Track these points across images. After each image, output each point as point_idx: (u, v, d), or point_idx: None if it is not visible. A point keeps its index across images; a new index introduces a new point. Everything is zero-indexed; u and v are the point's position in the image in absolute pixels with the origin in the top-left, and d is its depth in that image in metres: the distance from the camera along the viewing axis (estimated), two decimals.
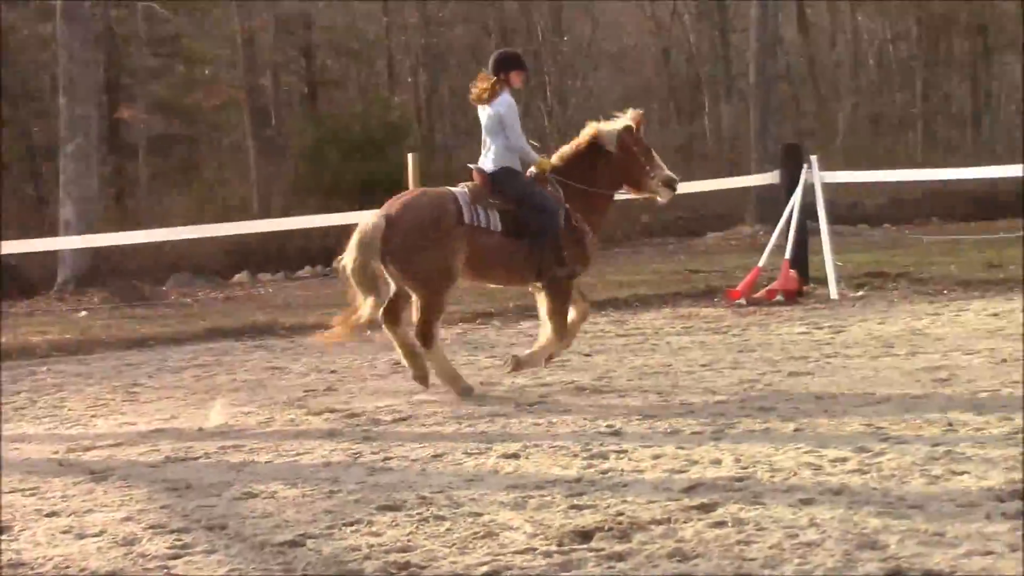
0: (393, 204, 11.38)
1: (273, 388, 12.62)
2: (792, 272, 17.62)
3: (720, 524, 6.78)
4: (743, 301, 17.20)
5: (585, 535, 6.75)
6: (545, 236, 11.46)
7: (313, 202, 34.19)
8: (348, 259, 11.13)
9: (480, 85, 11.74)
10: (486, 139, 11.76)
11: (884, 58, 51.38)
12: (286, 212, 31.37)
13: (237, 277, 29.20)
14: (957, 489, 7.19)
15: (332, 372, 13.42)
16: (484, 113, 11.74)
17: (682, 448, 8.67)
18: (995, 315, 14.81)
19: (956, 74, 51.01)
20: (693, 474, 7.95)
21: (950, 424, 8.92)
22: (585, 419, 9.95)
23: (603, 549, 6.50)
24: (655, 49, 48.28)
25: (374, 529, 7.12)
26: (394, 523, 7.22)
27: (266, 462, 9.15)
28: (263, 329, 17.36)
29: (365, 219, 11.40)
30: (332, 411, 11.01)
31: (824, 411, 9.67)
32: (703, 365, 12.40)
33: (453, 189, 11.55)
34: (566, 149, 12.07)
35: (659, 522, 6.89)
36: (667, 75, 48.18)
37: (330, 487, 8.16)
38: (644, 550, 6.44)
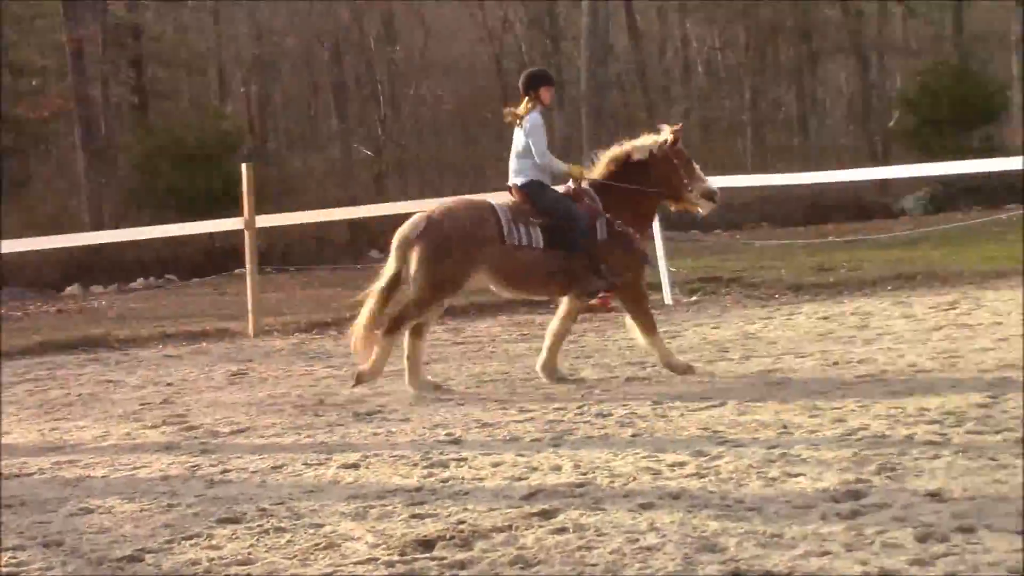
0: (439, 209, 11.78)
1: (108, 402, 12.45)
2: None
3: (561, 530, 6.81)
4: None
5: (427, 544, 6.74)
6: (578, 249, 11.61)
7: (146, 213, 33.80)
8: (396, 239, 11.58)
9: (515, 110, 12.04)
10: (513, 158, 11.98)
11: (713, 65, 52.07)
12: (118, 224, 30.98)
13: (69, 290, 28.76)
14: (793, 491, 7.30)
15: (168, 385, 13.28)
16: (519, 133, 11.96)
17: (522, 455, 8.70)
18: (825, 318, 15.07)
19: (784, 80, 51.83)
20: (533, 481, 7.97)
21: (785, 427, 9.05)
22: (424, 428, 9.95)
23: (445, 558, 6.50)
24: (487, 57, 48.40)
25: (214, 542, 7.05)
26: (234, 536, 7.16)
27: (102, 477, 9.01)
28: (97, 342, 17.11)
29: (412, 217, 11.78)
30: (169, 424, 10.88)
31: (661, 416, 9.77)
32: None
33: (496, 205, 11.77)
34: (605, 163, 12.15)
35: (500, 529, 6.90)
36: (499, 83, 48.32)
37: (168, 501, 8.07)
38: (486, 558, 6.45)
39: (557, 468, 8.26)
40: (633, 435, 9.19)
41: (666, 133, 12.08)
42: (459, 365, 13.34)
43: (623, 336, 14.59)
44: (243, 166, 18.14)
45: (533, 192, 11.84)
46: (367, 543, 6.82)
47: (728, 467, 7.94)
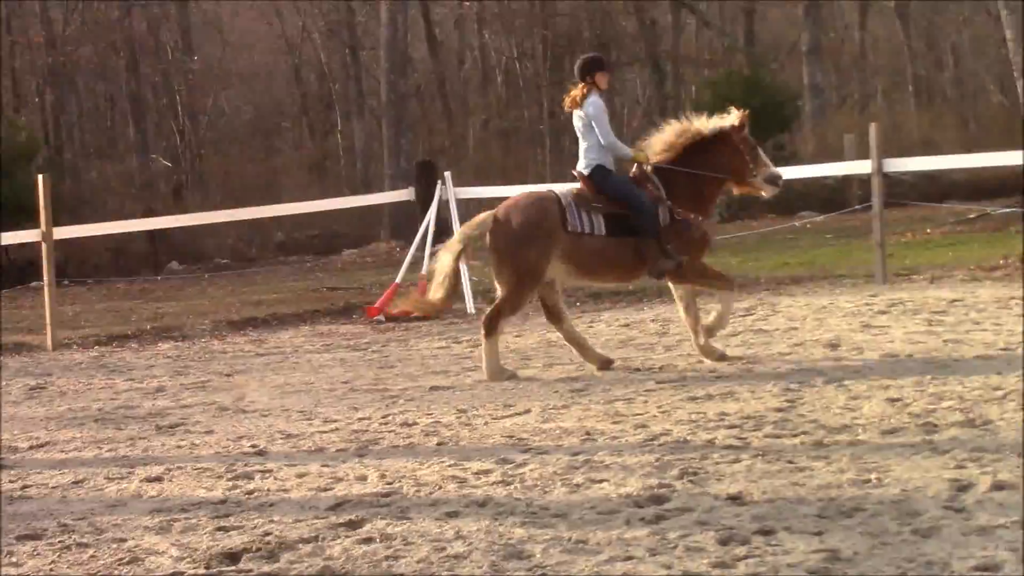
0: (503, 205, 12.16)
1: None
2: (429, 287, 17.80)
3: (368, 540, 6.80)
4: (382, 318, 17.29)
5: (232, 556, 6.69)
6: (645, 234, 11.85)
7: None
8: (449, 242, 12.27)
9: (571, 93, 12.43)
10: (581, 142, 12.30)
11: (512, 75, 52.35)
12: None
13: None
14: (597, 496, 7.37)
15: None
16: (577, 117, 12.34)
17: (327, 466, 8.68)
18: (626, 325, 15.25)
19: None
20: (339, 491, 7.95)
21: (588, 433, 9.13)
22: (228, 440, 9.87)
23: (251, 570, 6.46)
24: (286, 67, 48.14)
25: (14, 560, 6.92)
26: (35, 552, 7.03)
27: None
28: None
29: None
30: None
31: (466, 424, 9.81)
32: (344, 382, 12.42)
33: (560, 192, 12.17)
34: (669, 143, 12.29)
35: (307, 540, 6.87)
36: (298, 93, 48.09)
37: None
38: (293, 569, 6.42)
39: (363, 478, 8.25)
40: (438, 444, 9.21)
41: (732, 117, 12.26)
42: (262, 377, 13.24)
43: (427, 345, 14.65)
44: (39, 177, 17.83)
45: (597, 179, 12.12)
46: (172, 557, 6.74)
47: (533, 474, 8.00)
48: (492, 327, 11.90)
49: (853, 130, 29.07)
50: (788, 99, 40.92)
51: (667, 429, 9.05)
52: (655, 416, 9.57)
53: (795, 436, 8.56)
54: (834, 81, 53.51)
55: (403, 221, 28.31)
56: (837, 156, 28.23)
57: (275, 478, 8.46)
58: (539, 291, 12.17)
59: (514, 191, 26.81)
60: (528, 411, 10.14)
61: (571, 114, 12.49)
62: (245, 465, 8.89)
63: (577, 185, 12.28)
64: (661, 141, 12.29)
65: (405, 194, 20.61)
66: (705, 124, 12.22)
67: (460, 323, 16.71)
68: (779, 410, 9.44)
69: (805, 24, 42.34)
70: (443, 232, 18.55)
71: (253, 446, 9.57)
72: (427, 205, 18.57)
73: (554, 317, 12.34)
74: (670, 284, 12.35)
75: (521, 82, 51.83)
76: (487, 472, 8.16)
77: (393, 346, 14.99)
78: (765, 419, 9.15)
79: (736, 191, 12.86)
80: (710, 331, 12.05)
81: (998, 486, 6.97)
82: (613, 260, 12.04)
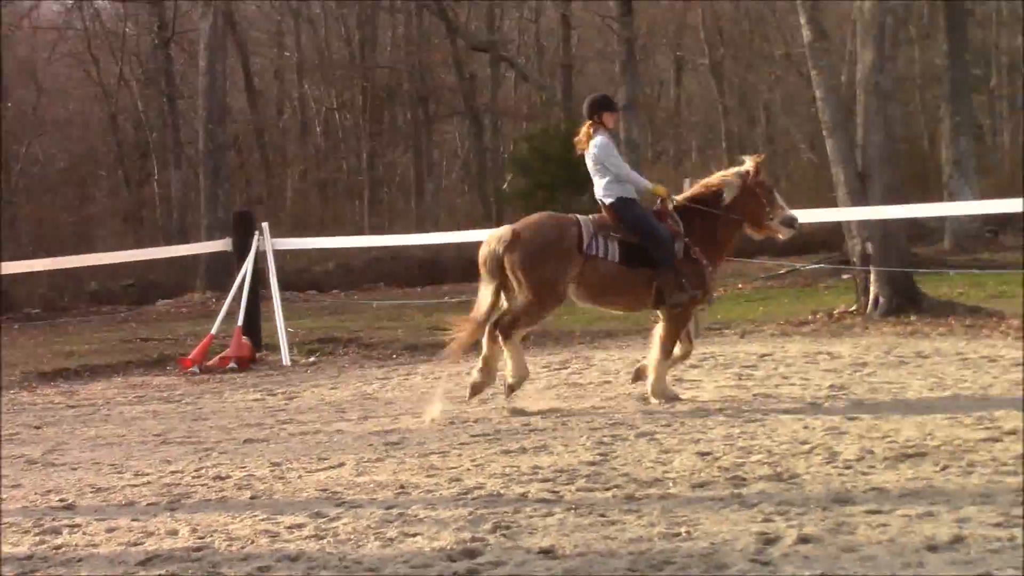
0: (522, 221, 12.51)
1: None
2: (245, 339, 17.71)
3: None
4: (196, 369, 17.12)
5: None
6: (663, 265, 12.17)
7: None
8: (481, 252, 12.31)
9: (580, 132, 12.75)
10: (596, 178, 12.58)
11: (331, 126, 52.30)
12: None
13: None
14: (411, 550, 7.39)
15: None
16: (588, 157, 12.62)
17: (137, 520, 8.57)
18: (442, 378, 15.25)
19: (400, 142, 52.42)
20: (149, 546, 7.86)
21: (402, 487, 9.14)
22: (36, 494, 9.70)
23: None
24: (102, 115, 47.53)
25: None
26: None
27: None
28: None
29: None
30: None
31: (280, 478, 9.75)
32: (157, 435, 12.27)
33: (580, 217, 12.39)
34: (694, 189, 12.85)
35: None
36: (115, 141, 47.49)
37: None
38: None
39: (174, 532, 8.17)
40: (251, 497, 9.15)
41: (748, 164, 12.60)
42: (72, 429, 13.03)
43: (241, 397, 14.55)
44: None
45: (619, 208, 12.40)
46: None
47: (346, 528, 7.99)
48: (508, 334, 12.17)
49: (668, 185, 29.36)
50: None
51: (481, 483, 9.09)
52: (469, 469, 9.60)
53: (607, 489, 8.65)
54: (650, 136, 54.26)
55: (219, 271, 28.11)
56: None
57: (84, 533, 8.33)
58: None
59: (334, 243, 26.96)
60: (342, 464, 10.11)
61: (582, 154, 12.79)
62: (53, 519, 8.74)
63: (597, 215, 12.57)
64: (690, 194, 12.79)
65: (222, 244, 20.45)
66: (728, 181, 12.60)
67: (275, 375, 16.62)
68: (592, 463, 9.53)
69: (622, 79, 42.82)
70: (260, 283, 18.48)
71: (62, 500, 9.42)
72: (244, 256, 18.45)
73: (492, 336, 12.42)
74: (659, 316, 12.59)
75: (340, 133, 51.85)
76: (300, 526, 8.12)
77: (207, 398, 14.86)
78: (578, 472, 9.23)
79: (754, 234, 13.13)
80: (640, 372, 12.59)
81: (803, 539, 7.12)
82: (623, 287, 12.36)
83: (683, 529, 7.47)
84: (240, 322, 17.83)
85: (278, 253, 19.20)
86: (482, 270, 12.31)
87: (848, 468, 8.89)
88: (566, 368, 15.29)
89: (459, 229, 33.51)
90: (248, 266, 18.37)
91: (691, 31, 54.59)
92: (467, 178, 53.71)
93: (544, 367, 15.42)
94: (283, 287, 18.62)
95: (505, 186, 44.54)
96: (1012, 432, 9.77)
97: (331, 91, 51.50)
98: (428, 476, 9.45)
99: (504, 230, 12.39)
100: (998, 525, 7.19)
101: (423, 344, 18.47)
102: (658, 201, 12.66)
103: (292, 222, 39.81)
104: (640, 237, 12.27)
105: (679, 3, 53.39)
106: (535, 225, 12.36)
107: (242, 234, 18.85)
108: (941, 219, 32.51)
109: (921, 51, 49.08)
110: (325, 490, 9.21)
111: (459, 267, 34.54)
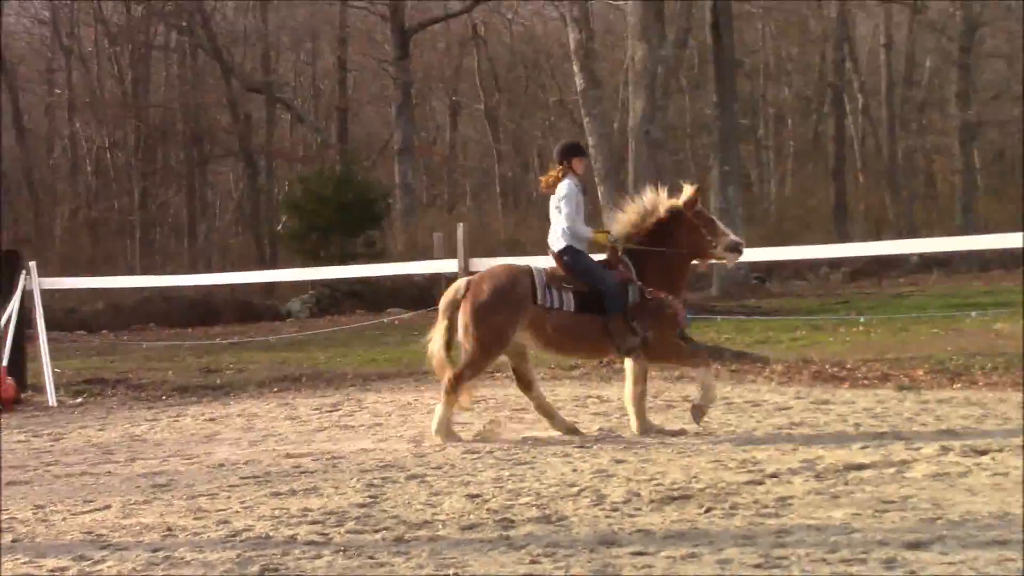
0: (479, 273, 12.94)
1: None
2: (9, 380, 17.36)
3: None
4: None
5: None
6: (608, 313, 12.24)
7: None
8: (443, 299, 12.56)
9: (548, 174, 12.87)
10: (552, 222, 12.70)
11: (103, 165, 51.56)
12: None
13: None
14: None
15: None
16: (552, 199, 12.71)
17: None
18: (212, 420, 15.15)
19: (174, 182, 51.92)
20: None
21: (169, 529, 9.03)
22: None
23: None
24: None
25: None
26: None
27: None
28: None
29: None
30: None
31: (43, 520, 9.57)
32: None
33: (535, 268, 12.55)
34: (632, 224, 12.70)
35: None
36: None
37: None
38: None
39: None
40: (13, 540, 8.95)
41: (684, 194, 12.64)
42: None
43: (5, 438, 14.24)
44: None
45: (567, 258, 12.54)
46: None
47: (111, 571, 7.88)
48: (452, 388, 12.26)
49: (442, 229, 29.69)
50: (379, 196, 41.60)
51: (249, 525, 9.03)
52: (238, 512, 9.54)
53: (376, 532, 8.66)
54: (424, 180, 54.59)
55: None
56: (426, 254, 28.73)
57: None
58: (511, 360, 12.64)
59: (103, 282, 26.58)
60: (108, 506, 9.96)
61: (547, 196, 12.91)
62: None
63: (549, 266, 12.71)
64: (627, 223, 12.72)
65: None
66: (662, 203, 12.65)
67: (41, 416, 16.30)
68: (362, 505, 9.54)
69: (398, 123, 43.12)
70: (25, 323, 18.13)
71: None
72: (10, 295, 18.10)
73: (524, 385, 12.72)
74: (628, 362, 12.58)
75: (112, 172, 51.15)
76: (63, 569, 7.99)
77: None
78: (348, 514, 9.23)
79: (700, 265, 13.38)
80: (700, 409, 12.43)
81: None
82: (580, 336, 12.45)
83: (451, 571, 7.51)
84: (4, 362, 17.47)
85: (46, 292, 18.87)
86: (440, 315, 12.52)
87: (615, 510, 9.03)
88: (338, 410, 15.27)
89: (232, 270, 33.39)
90: (14, 305, 18.03)
91: (467, 76, 55.12)
92: (241, 219, 53.42)
93: (315, 409, 15.39)
94: (51, 327, 18.32)
95: (280, 228, 44.43)
96: (774, 475, 10.02)
97: (103, 129, 50.80)
98: (196, 519, 9.36)
99: (459, 283, 12.61)
100: (758, 566, 7.37)
101: (193, 386, 18.32)
102: (609, 250, 12.76)
103: (61, 261, 39.16)
104: (588, 287, 12.42)
105: (455, 48, 53.87)
106: (490, 277, 12.54)
107: (8, 273, 18.50)
108: (709, 265, 33.15)
109: (691, 101, 50.28)
110: (90, 533, 9.07)
111: (232, 308, 34.36)
